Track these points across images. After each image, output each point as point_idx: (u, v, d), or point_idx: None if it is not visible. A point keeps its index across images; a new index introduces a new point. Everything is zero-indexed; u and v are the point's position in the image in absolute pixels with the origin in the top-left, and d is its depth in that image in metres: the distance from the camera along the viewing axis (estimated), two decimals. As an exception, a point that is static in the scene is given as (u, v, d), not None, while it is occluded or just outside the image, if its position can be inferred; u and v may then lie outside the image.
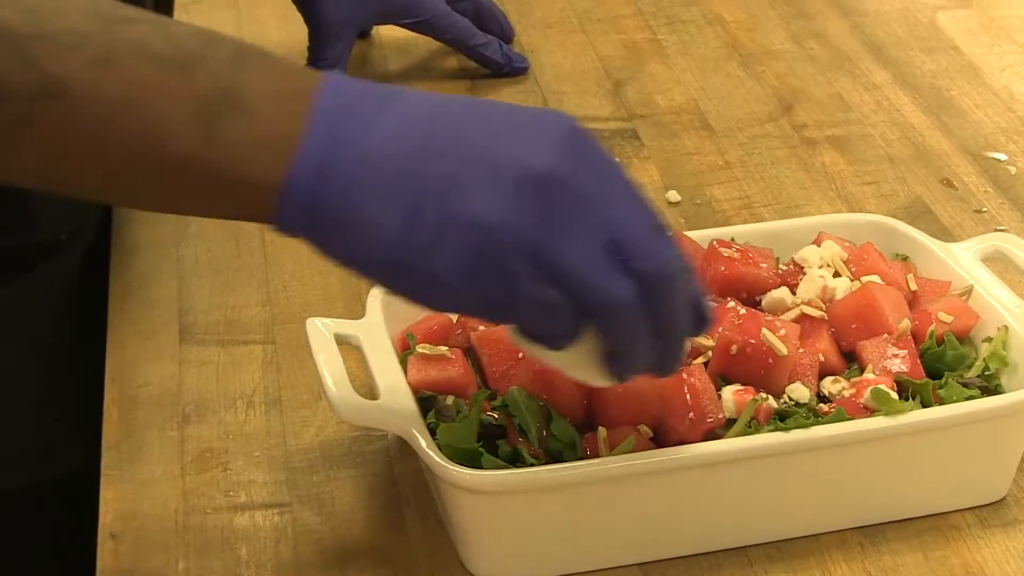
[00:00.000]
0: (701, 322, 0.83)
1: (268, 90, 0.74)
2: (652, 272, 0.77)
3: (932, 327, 0.98)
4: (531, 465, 0.88)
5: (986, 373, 0.96)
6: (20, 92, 0.71)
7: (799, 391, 0.93)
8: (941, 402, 0.93)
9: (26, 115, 0.72)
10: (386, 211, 0.75)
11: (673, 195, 1.27)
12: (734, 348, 0.93)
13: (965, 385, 0.94)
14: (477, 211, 0.74)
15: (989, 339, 0.98)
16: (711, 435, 0.91)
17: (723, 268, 1.00)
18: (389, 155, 0.75)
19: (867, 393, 0.92)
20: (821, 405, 0.93)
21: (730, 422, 0.91)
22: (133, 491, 0.98)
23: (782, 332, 0.94)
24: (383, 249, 0.75)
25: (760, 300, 1.00)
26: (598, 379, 0.83)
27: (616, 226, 0.77)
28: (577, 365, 0.82)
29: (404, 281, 0.77)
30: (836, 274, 1.01)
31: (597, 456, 0.89)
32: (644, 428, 0.91)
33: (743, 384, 0.93)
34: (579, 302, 0.76)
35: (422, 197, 0.74)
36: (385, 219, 0.75)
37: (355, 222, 0.75)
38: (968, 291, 1.01)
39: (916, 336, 0.98)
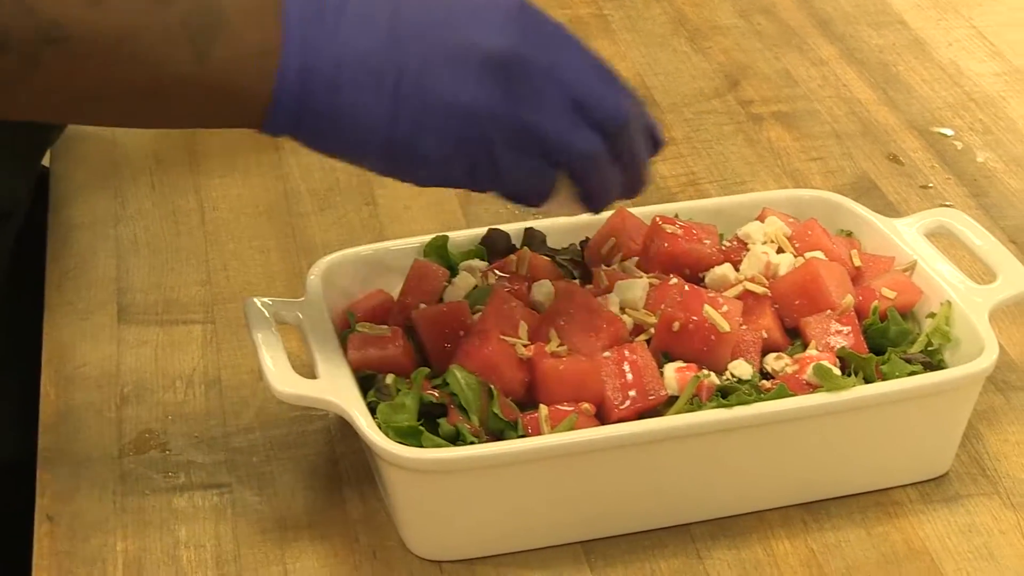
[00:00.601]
0: (656, 144, 0.92)
1: (242, 5, 0.81)
2: (612, 121, 0.87)
3: (875, 303, 0.98)
4: (472, 444, 0.88)
5: (929, 349, 0.96)
6: (24, 38, 0.77)
7: (742, 368, 0.93)
8: (884, 378, 0.93)
9: (32, 60, 0.77)
10: (367, 106, 0.83)
11: (618, 172, 1.26)
12: (676, 325, 0.93)
13: (908, 361, 0.94)
14: (451, 96, 0.83)
15: (932, 315, 0.97)
16: (653, 412, 0.90)
17: (666, 244, 0.99)
18: (361, 51, 0.82)
19: (810, 369, 0.92)
20: (764, 382, 0.93)
21: (672, 399, 0.91)
22: (71, 472, 0.97)
23: (725, 309, 0.94)
24: (369, 140, 0.84)
25: (703, 277, 1.00)
26: (576, 211, 0.91)
27: (575, 87, 0.85)
28: (556, 211, 0.91)
29: (393, 165, 0.86)
30: (779, 250, 1.01)
31: (538, 434, 0.88)
32: (586, 406, 0.90)
33: (685, 361, 0.93)
34: (554, 159, 0.86)
35: (398, 87, 0.83)
36: (367, 114, 0.83)
37: (339, 119, 0.83)
38: (912, 267, 1.01)
39: (859, 312, 0.97)
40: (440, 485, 0.88)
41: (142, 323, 1.09)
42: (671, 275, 0.98)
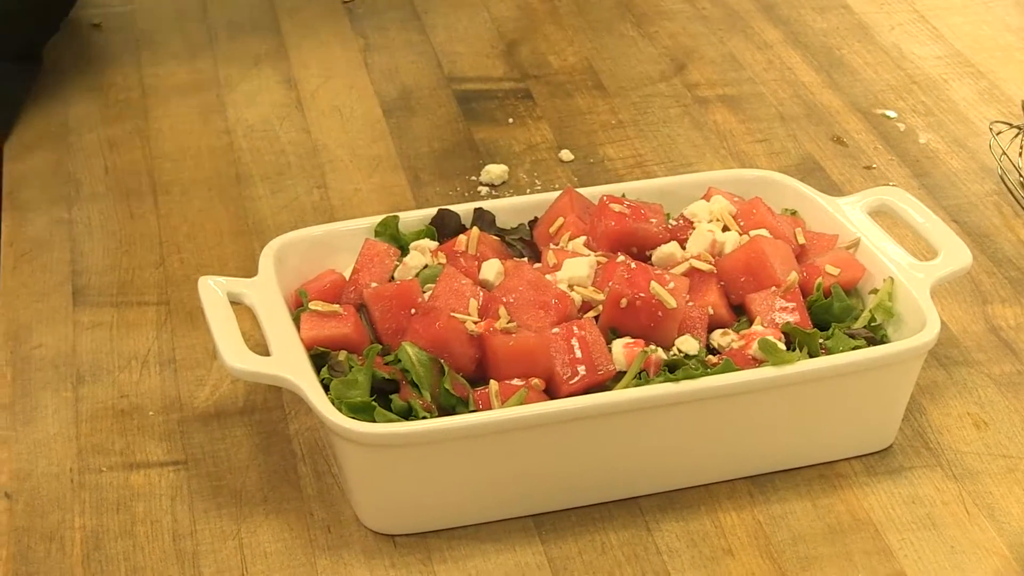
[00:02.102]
0: None
1: None
2: None
3: (819, 279, 0.99)
4: (423, 419, 0.89)
5: (872, 324, 0.98)
6: None
7: (688, 343, 0.94)
8: (828, 353, 0.94)
9: None
10: None
11: (566, 154, 1.28)
12: (624, 302, 0.94)
13: (852, 336, 0.96)
14: None
15: (875, 291, 0.99)
16: (602, 387, 0.92)
17: (613, 223, 1.01)
18: None
19: (755, 344, 0.93)
20: (710, 357, 0.95)
21: (620, 374, 0.92)
22: (28, 451, 0.98)
23: (671, 285, 0.95)
24: None
25: (650, 255, 1.01)
26: None
27: None
28: None
29: None
30: (725, 228, 1.02)
31: (489, 409, 0.90)
32: (536, 381, 0.91)
33: (633, 337, 0.94)
34: None
35: None
36: None
37: None
38: (855, 244, 1.03)
39: (804, 288, 0.99)
40: (393, 460, 0.89)
41: (97, 304, 1.10)
42: (618, 253, 0.99)
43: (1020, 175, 1.20)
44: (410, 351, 0.92)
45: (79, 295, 1.11)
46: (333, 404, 0.89)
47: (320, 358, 0.93)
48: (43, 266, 1.14)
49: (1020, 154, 1.22)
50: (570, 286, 0.97)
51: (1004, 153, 1.23)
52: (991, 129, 1.26)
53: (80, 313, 1.09)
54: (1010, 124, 1.26)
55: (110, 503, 0.94)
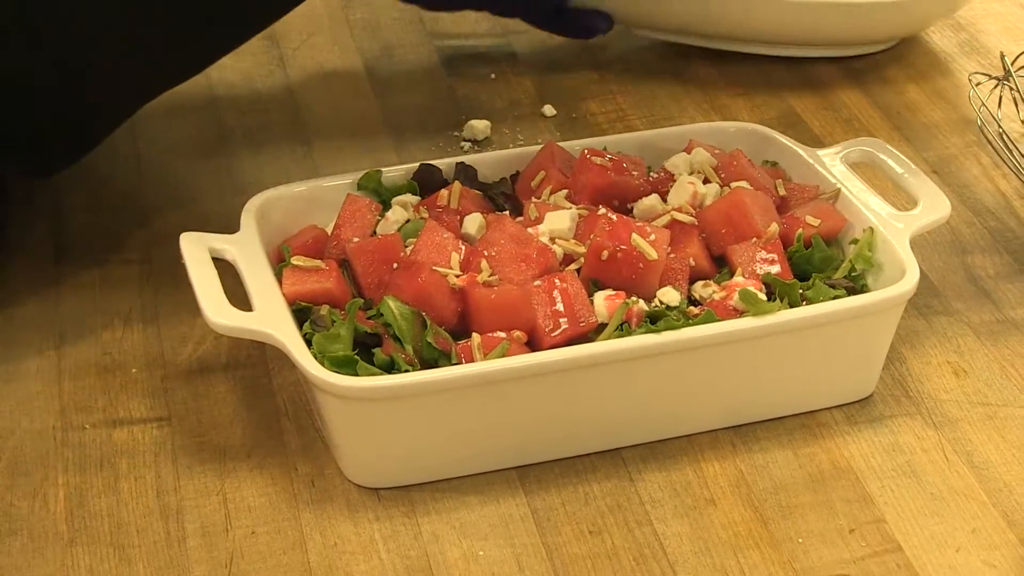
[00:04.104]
0: None
1: None
2: None
3: (800, 230, 1.00)
4: (406, 372, 0.89)
5: (852, 274, 0.98)
6: None
7: (670, 295, 0.95)
8: (809, 303, 0.95)
9: None
10: None
11: (548, 109, 1.28)
12: (605, 254, 0.95)
13: (832, 286, 0.96)
14: None
15: (855, 241, 1.00)
16: (584, 339, 0.92)
17: (594, 176, 1.01)
18: None
19: (736, 295, 0.94)
20: (691, 308, 0.95)
21: (602, 326, 0.93)
22: (10, 409, 0.98)
23: (652, 237, 0.95)
24: None
25: (631, 207, 1.02)
26: None
27: None
28: None
29: None
30: (706, 180, 1.03)
31: (472, 362, 0.90)
32: (518, 334, 0.92)
33: (615, 289, 0.95)
34: None
35: None
36: None
37: None
38: (835, 195, 1.03)
39: (785, 239, 0.99)
40: (376, 413, 0.90)
41: (80, 263, 1.10)
42: (600, 206, 0.99)
43: (999, 126, 1.20)
44: (392, 305, 0.92)
45: (62, 253, 1.11)
46: (315, 358, 0.89)
47: (302, 313, 0.94)
48: (25, 223, 1.14)
49: (999, 105, 1.23)
50: (551, 239, 0.98)
51: (983, 104, 1.23)
52: (970, 81, 1.26)
53: (63, 271, 1.10)
54: (989, 75, 1.26)
55: (93, 460, 0.94)
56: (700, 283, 0.97)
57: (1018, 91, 1.22)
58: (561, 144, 1.06)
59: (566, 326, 0.92)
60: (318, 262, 0.96)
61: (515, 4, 1.30)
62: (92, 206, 1.16)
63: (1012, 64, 1.24)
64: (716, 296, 0.95)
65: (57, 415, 0.97)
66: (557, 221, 0.98)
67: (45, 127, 1.06)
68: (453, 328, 0.93)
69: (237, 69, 1.33)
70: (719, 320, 0.92)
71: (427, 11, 1.36)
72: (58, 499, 0.92)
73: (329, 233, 1.00)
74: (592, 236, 0.96)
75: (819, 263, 0.99)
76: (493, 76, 1.33)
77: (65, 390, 0.99)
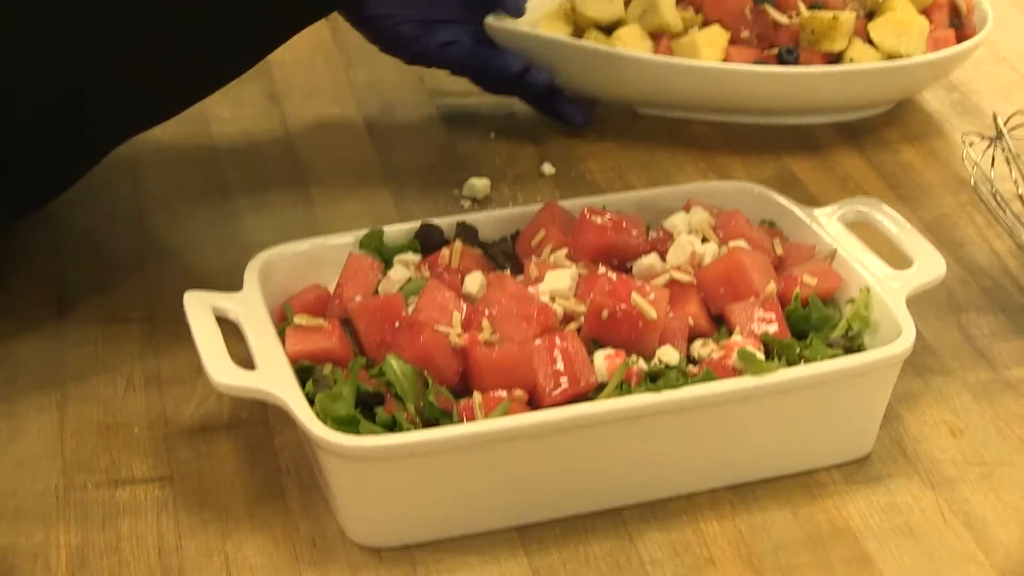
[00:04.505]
0: None
1: None
2: None
3: (797, 290, 1.01)
4: (408, 431, 0.90)
5: (849, 334, 0.99)
6: None
7: (669, 353, 0.96)
8: (806, 362, 0.95)
9: None
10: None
11: (548, 168, 1.29)
12: (605, 313, 0.96)
13: (829, 345, 0.97)
14: None
15: (852, 300, 1.01)
16: (584, 398, 0.93)
17: (594, 236, 1.02)
18: None
19: (735, 354, 0.94)
20: (691, 367, 0.96)
21: (602, 385, 0.93)
22: (12, 468, 0.98)
23: (652, 297, 0.96)
24: None
25: (631, 266, 1.02)
26: None
27: None
28: None
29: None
30: (704, 240, 1.04)
31: (473, 421, 0.91)
32: (519, 392, 0.92)
33: (615, 348, 0.95)
34: None
35: None
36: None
37: None
38: (832, 254, 1.04)
39: (782, 299, 1.00)
40: (377, 472, 0.90)
41: (82, 321, 1.11)
42: (599, 265, 1.00)
43: (992, 186, 1.22)
44: (394, 364, 0.93)
45: (64, 310, 1.12)
46: (318, 417, 0.89)
47: (305, 372, 0.94)
48: (28, 280, 1.15)
49: (992, 165, 1.24)
50: (552, 298, 0.98)
51: (977, 164, 1.24)
52: (964, 141, 1.27)
53: (65, 328, 1.10)
54: (982, 136, 1.27)
55: (95, 520, 0.94)
56: (699, 342, 0.98)
57: (1011, 151, 1.23)
58: (561, 203, 1.07)
59: (566, 385, 0.93)
60: (321, 321, 0.97)
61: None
62: (94, 264, 1.17)
63: (1004, 124, 1.26)
64: (715, 355, 0.96)
65: (59, 474, 0.98)
66: (557, 280, 0.99)
67: (19, 163, 1.06)
68: (455, 387, 0.93)
69: (239, 126, 1.34)
70: (718, 379, 0.93)
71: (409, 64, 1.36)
72: (60, 560, 0.92)
73: (331, 292, 1.01)
74: (592, 295, 0.97)
75: (816, 322, 1.00)
76: (493, 135, 1.34)
77: (67, 449, 1.00)
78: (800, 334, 0.98)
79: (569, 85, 1.36)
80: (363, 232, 1.05)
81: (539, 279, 1.00)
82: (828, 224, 1.07)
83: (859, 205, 1.09)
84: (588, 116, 1.35)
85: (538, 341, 0.94)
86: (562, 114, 1.35)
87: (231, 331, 0.97)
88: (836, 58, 1.32)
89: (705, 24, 1.34)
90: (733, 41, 1.33)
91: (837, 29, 1.31)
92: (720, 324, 1.00)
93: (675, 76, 1.31)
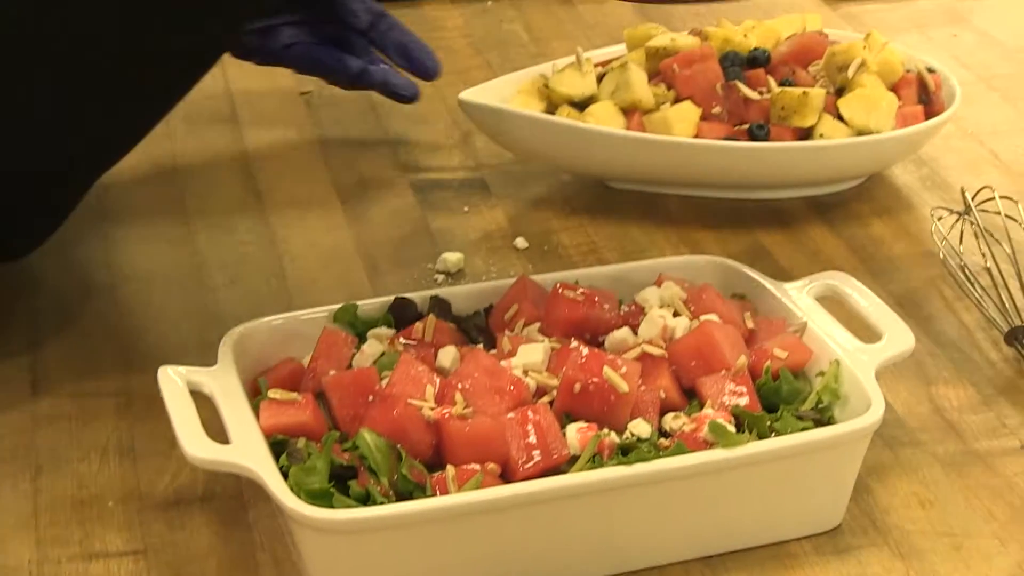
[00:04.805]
0: None
1: None
2: None
3: (768, 363, 1.01)
4: (381, 504, 0.90)
5: (820, 406, 1.00)
6: None
7: (641, 427, 0.96)
8: (777, 434, 0.96)
9: None
10: None
11: (521, 241, 1.30)
12: (577, 386, 0.96)
13: (800, 418, 0.98)
14: None
15: (822, 373, 1.01)
16: (556, 471, 0.93)
17: (566, 310, 1.03)
18: None
19: (706, 427, 0.95)
20: (662, 440, 0.96)
21: (575, 458, 0.94)
22: (-14, 542, 0.98)
23: (623, 370, 0.97)
24: None
25: (603, 340, 1.03)
26: None
27: None
28: None
29: None
30: (676, 314, 1.04)
31: (446, 494, 0.91)
32: (492, 466, 0.93)
33: (587, 421, 0.96)
34: None
35: None
36: None
37: None
38: (802, 328, 1.05)
39: (753, 372, 1.01)
40: (351, 545, 0.90)
41: (56, 395, 1.11)
42: (572, 339, 1.01)
43: (961, 259, 1.23)
44: (368, 438, 0.93)
45: (38, 385, 1.12)
46: (292, 491, 0.90)
47: (279, 445, 0.95)
48: (2, 356, 1.15)
49: (961, 239, 1.25)
50: (525, 372, 0.99)
51: (945, 238, 1.26)
52: (933, 215, 1.29)
53: (39, 403, 1.11)
54: (951, 210, 1.29)
55: (70, 593, 0.95)
56: (671, 415, 0.99)
57: (979, 225, 1.25)
58: (534, 277, 1.08)
59: (539, 458, 0.93)
60: (294, 395, 0.98)
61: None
62: (69, 339, 1.17)
63: (972, 199, 1.27)
64: (686, 428, 0.97)
65: (33, 549, 0.98)
66: (530, 354, 1.00)
67: None
68: (428, 460, 0.94)
69: (214, 201, 1.35)
70: (689, 452, 0.94)
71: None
72: (34, 633, 0.92)
73: (306, 366, 1.02)
74: (564, 369, 0.98)
75: (787, 395, 1.01)
76: (466, 209, 1.35)
77: (41, 523, 1.00)
78: (771, 407, 0.99)
79: (542, 160, 1.37)
80: (337, 306, 1.06)
81: (512, 353, 1.01)
82: (798, 298, 1.08)
83: (829, 279, 1.10)
84: (417, 90, 1.42)
85: (511, 414, 0.95)
86: (397, 96, 1.42)
87: (206, 403, 0.97)
88: (806, 134, 1.34)
89: (677, 100, 1.35)
90: (705, 117, 1.34)
91: (807, 105, 1.32)
92: (692, 397, 1.01)
93: (647, 151, 1.33)
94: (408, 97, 1.42)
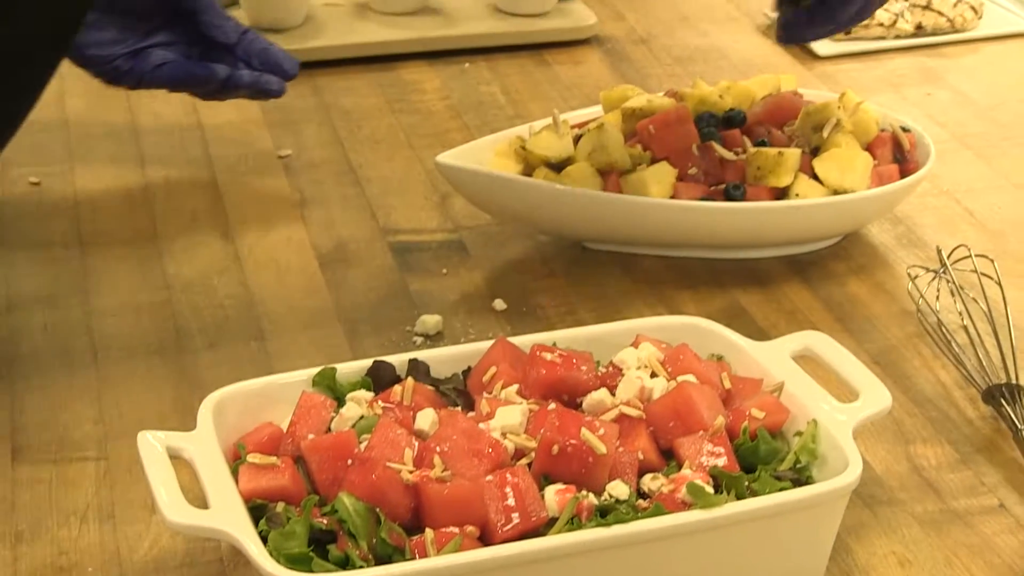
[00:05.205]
0: None
1: None
2: None
3: (745, 423, 1.02)
4: (360, 568, 0.90)
5: (797, 466, 1.00)
6: None
7: (619, 488, 0.97)
8: (755, 495, 0.96)
9: None
10: None
11: (499, 303, 1.31)
12: (555, 448, 0.97)
13: (778, 478, 0.98)
14: None
15: (800, 433, 1.02)
16: (535, 533, 0.94)
17: (544, 372, 1.03)
18: None
19: (684, 488, 0.95)
20: (641, 501, 0.97)
21: (553, 520, 0.94)
22: (-34, 610, 0.98)
23: (601, 432, 0.97)
24: None
25: (581, 402, 1.04)
26: None
27: None
28: None
29: None
30: (653, 375, 1.05)
31: (425, 557, 0.91)
32: (471, 529, 0.93)
33: (565, 483, 0.96)
34: None
35: None
36: None
37: None
38: (779, 388, 1.06)
39: (731, 432, 1.02)
40: (331, 610, 0.90)
41: (36, 462, 1.11)
42: (550, 401, 1.02)
43: (937, 318, 1.24)
44: (347, 501, 0.93)
45: (18, 452, 1.12)
46: (271, 555, 0.90)
47: (258, 510, 0.95)
48: (-18, 424, 1.15)
49: (937, 297, 1.26)
50: (503, 434, 1.00)
51: (922, 296, 1.26)
52: (909, 274, 1.30)
53: (19, 470, 1.10)
54: (927, 268, 1.30)
55: (50, 659, 0.95)
56: (649, 476, 0.99)
57: (955, 283, 1.25)
58: (512, 339, 1.09)
59: (518, 520, 0.94)
60: (273, 459, 0.98)
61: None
62: (49, 404, 1.17)
63: (948, 257, 1.28)
64: (664, 489, 0.97)
65: (13, 615, 0.98)
66: (508, 416, 1.00)
67: None
68: (407, 523, 0.94)
69: (193, 266, 1.36)
70: (668, 513, 0.94)
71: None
72: None
73: (285, 430, 1.02)
74: (542, 431, 0.98)
75: (765, 455, 1.01)
76: (445, 271, 1.36)
77: (21, 589, 1.00)
78: (749, 467, 1.00)
79: (520, 222, 1.38)
80: (316, 370, 1.06)
81: (490, 415, 1.01)
82: (775, 358, 1.08)
83: (806, 339, 1.11)
84: (283, 84, 1.46)
85: (489, 477, 0.95)
86: (267, 92, 1.46)
87: (185, 468, 0.97)
88: (782, 193, 1.35)
89: (653, 161, 1.36)
90: (681, 178, 1.35)
91: (783, 165, 1.33)
92: (670, 458, 1.01)
93: (624, 212, 1.33)
94: (276, 91, 1.46)
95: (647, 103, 1.40)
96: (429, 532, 0.92)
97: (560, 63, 1.75)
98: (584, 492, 0.95)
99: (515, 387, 1.04)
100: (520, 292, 1.33)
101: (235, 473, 0.97)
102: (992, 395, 1.16)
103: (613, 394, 1.04)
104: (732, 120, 1.40)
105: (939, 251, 1.30)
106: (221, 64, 1.43)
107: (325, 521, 0.93)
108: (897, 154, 1.40)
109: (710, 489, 0.96)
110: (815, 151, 1.37)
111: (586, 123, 1.41)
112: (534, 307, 1.31)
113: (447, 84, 1.70)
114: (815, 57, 1.76)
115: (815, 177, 1.35)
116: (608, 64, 1.75)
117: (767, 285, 1.34)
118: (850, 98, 1.41)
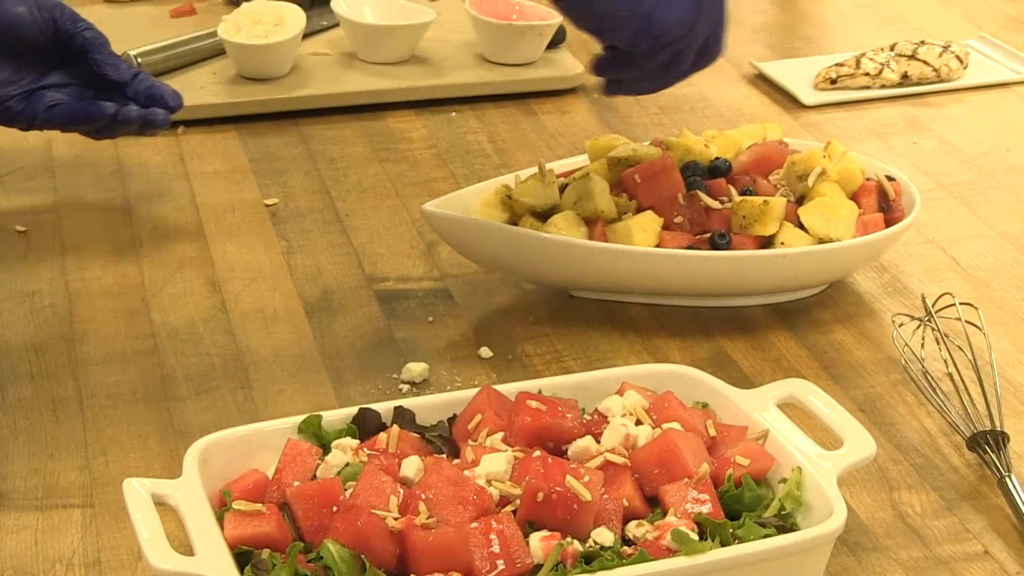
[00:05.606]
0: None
1: None
2: None
3: (730, 470, 1.02)
4: (345, 615, 0.90)
5: (782, 513, 1.00)
6: None
7: (604, 535, 0.97)
8: (739, 541, 0.97)
9: None
10: None
11: (485, 351, 1.31)
12: (540, 495, 0.97)
13: (762, 524, 0.98)
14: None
15: (784, 480, 1.02)
16: (520, 580, 0.94)
17: (529, 419, 1.04)
18: None
19: (668, 535, 0.96)
20: (625, 548, 0.97)
21: (538, 567, 0.94)
22: (-50, 658, 0.98)
23: (586, 479, 0.98)
24: None
25: (566, 449, 1.04)
26: None
27: None
28: None
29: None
30: (638, 422, 1.05)
31: (410, 605, 0.91)
32: (456, 575, 0.93)
33: (550, 530, 0.96)
34: None
35: None
36: None
37: None
38: (764, 435, 1.06)
39: (715, 479, 1.02)
40: (315, 657, 0.90)
41: (21, 508, 1.11)
42: (535, 448, 1.02)
43: (922, 365, 1.24)
44: (332, 548, 0.93)
45: (3, 499, 1.12)
46: (256, 603, 0.90)
47: (244, 557, 0.95)
48: (-32, 471, 1.15)
49: (922, 345, 1.27)
50: (488, 481, 1.00)
51: (907, 344, 1.27)
52: (894, 322, 1.30)
53: (4, 517, 1.10)
54: (912, 316, 1.30)
55: None
56: (634, 523, 0.99)
57: (940, 331, 1.26)
58: (497, 387, 1.09)
59: (503, 567, 0.94)
60: (259, 506, 0.98)
61: None
62: (34, 451, 1.17)
63: (933, 305, 1.29)
64: (649, 536, 0.97)
65: (-4, 663, 0.98)
66: (493, 464, 1.01)
67: None
68: (392, 570, 0.94)
69: (180, 314, 1.36)
70: (653, 560, 0.94)
71: None
72: None
73: (270, 477, 1.02)
74: (527, 478, 0.98)
75: (749, 502, 1.01)
76: (431, 319, 1.36)
77: (5, 637, 1.00)
78: (733, 514, 1.00)
79: (506, 270, 1.39)
80: (301, 418, 1.07)
81: (475, 463, 1.01)
82: (760, 405, 1.09)
83: (790, 386, 1.11)
84: (168, 116, 1.48)
85: (474, 524, 0.95)
86: (154, 123, 1.47)
87: (171, 515, 0.97)
88: (768, 242, 1.35)
89: (639, 210, 1.37)
90: (666, 226, 1.36)
91: (768, 214, 1.34)
92: (654, 505, 1.01)
93: (610, 261, 1.34)
94: (162, 123, 1.48)
95: (633, 152, 1.41)
96: (414, 579, 0.93)
97: (546, 112, 1.76)
98: (569, 539, 0.96)
99: (500, 435, 1.05)
100: (506, 340, 1.33)
101: (220, 520, 0.97)
102: (977, 442, 1.16)
103: (598, 441, 1.04)
104: (718, 169, 1.40)
105: (924, 299, 1.31)
106: (110, 103, 1.45)
107: (310, 568, 0.93)
108: (882, 203, 1.41)
109: (695, 536, 0.96)
110: (800, 200, 1.38)
111: (572, 172, 1.42)
112: (520, 355, 1.31)
113: (434, 133, 1.71)
114: (801, 106, 1.77)
115: (800, 226, 1.36)
116: (594, 113, 1.76)
117: (753, 333, 1.34)
118: (835, 147, 1.42)
